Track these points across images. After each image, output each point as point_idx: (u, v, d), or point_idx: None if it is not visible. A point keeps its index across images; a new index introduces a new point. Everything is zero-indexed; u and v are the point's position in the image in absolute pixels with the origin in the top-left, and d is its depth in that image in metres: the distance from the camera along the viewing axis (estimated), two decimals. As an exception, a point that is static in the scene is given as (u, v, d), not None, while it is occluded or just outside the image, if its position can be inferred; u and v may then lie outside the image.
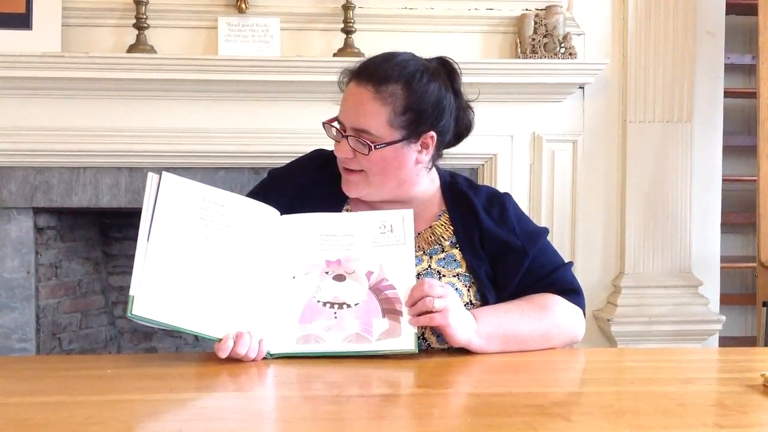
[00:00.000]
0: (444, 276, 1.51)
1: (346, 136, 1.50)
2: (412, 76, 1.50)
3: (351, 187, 1.55)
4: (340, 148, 1.52)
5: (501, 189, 1.75)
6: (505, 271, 1.54)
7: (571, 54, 2.84)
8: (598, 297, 3.02)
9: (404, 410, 1.16)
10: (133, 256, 1.33)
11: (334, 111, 1.56)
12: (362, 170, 1.52)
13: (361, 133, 1.49)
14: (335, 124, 1.53)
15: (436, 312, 1.37)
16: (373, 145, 1.48)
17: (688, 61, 2.95)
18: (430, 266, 1.53)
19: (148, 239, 1.33)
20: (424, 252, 1.54)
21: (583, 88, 2.95)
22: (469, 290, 1.51)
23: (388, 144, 1.49)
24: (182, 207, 1.37)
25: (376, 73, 1.49)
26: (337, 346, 1.38)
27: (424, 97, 1.50)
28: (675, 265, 2.99)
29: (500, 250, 1.54)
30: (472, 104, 1.60)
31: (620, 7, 2.97)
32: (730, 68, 3.35)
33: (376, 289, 1.41)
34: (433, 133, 1.52)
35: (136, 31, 2.71)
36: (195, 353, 2.24)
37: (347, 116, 1.51)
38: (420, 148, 1.53)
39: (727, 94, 3.16)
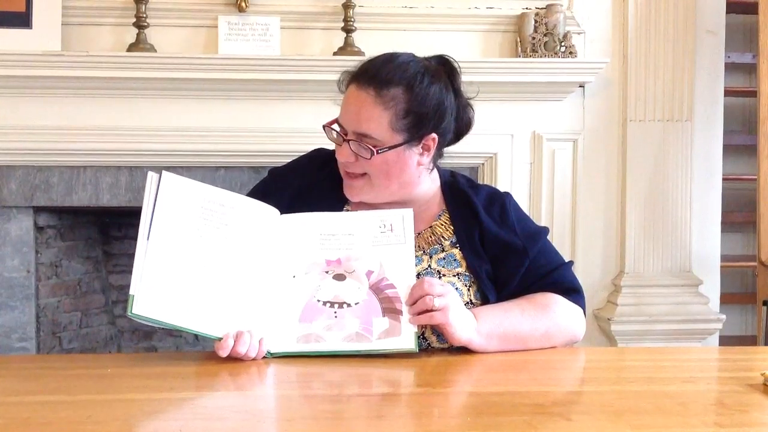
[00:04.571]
0: (444, 275, 1.51)
1: (348, 140, 1.50)
2: (414, 79, 1.49)
3: (354, 192, 1.55)
4: (342, 152, 1.52)
5: (501, 188, 1.75)
6: (505, 271, 1.54)
7: (571, 53, 2.84)
8: (599, 296, 3.02)
9: (404, 409, 1.15)
10: (133, 255, 1.33)
11: (334, 111, 1.56)
12: (364, 174, 1.52)
13: (362, 138, 1.48)
14: (335, 126, 1.53)
15: (436, 310, 1.37)
16: (375, 150, 1.48)
17: (688, 60, 2.95)
18: (430, 266, 1.53)
19: (148, 238, 1.33)
20: (424, 252, 1.54)
21: (583, 87, 2.95)
22: (469, 290, 1.51)
23: (390, 148, 1.49)
24: (182, 206, 1.37)
25: (377, 76, 1.49)
26: (338, 345, 1.38)
27: (426, 100, 1.49)
28: (675, 264, 2.99)
29: (501, 249, 1.54)
30: (472, 102, 1.60)
31: (620, 6, 2.97)
32: (730, 67, 3.35)
33: (377, 289, 1.41)
34: (434, 135, 1.52)
35: (136, 30, 2.71)
36: (195, 352, 2.24)
37: (348, 120, 1.50)
38: (421, 150, 1.52)
39: (728, 92, 3.16)
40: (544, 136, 2.94)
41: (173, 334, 3.20)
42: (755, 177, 2.91)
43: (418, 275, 1.49)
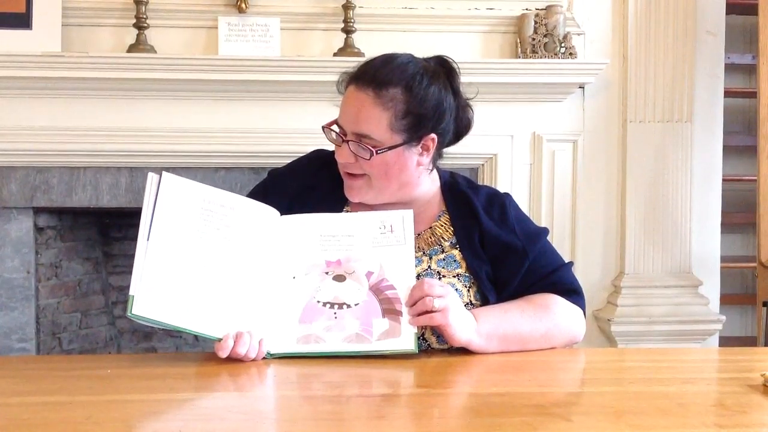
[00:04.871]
0: (444, 276, 1.51)
1: (347, 141, 1.50)
2: (412, 79, 1.49)
3: (354, 193, 1.55)
4: (341, 152, 1.52)
5: (501, 189, 1.75)
6: (505, 272, 1.54)
7: (571, 54, 2.84)
8: (598, 297, 3.02)
9: (404, 410, 1.16)
10: (133, 256, 1.33)
11: (334, 111, 1.56)
12: (364, 174, 1.52)
13: (362, 138, 1.48)
14: (335, 127, 1.53)
15: (436, 311, 1.37)
16: (374, 150, 1.48)
17: (688, 61, 2.95)
18: (430, 267, 1.53)
19: (148, 239, 1.33)
20: (424, 252, 1.54)
21: (583, 87, 2.95)
22: (469, 291, 1.51)
23: (390, 148, 1.49)
24: (182, 207, 1.37)
25: (377, 77, 1.49)
26: (337, 346, 1.38)
27: (425, 100, 1.49)
28: (675, 265, 2.99)
29: (500, 250, 1.54)
30: (472, 104, 1.60)
31: (620, 7, 2.97)
32: (730, 68, 3.35)
33: (376, 290, 1.41)
34: (434, 136, 1.52)
35: (136, 31, 2.71)
36: (195, 353, 2.24)
37: (348, 121, 1.50)
38: (421, 150, 1.52)
39: (728, 93, 3.16)
40: (544, 136, 2.93)
41: (173, 334, 3.20)
42: (755, 178, 2.91)
43: (418, 276, 1.49)
